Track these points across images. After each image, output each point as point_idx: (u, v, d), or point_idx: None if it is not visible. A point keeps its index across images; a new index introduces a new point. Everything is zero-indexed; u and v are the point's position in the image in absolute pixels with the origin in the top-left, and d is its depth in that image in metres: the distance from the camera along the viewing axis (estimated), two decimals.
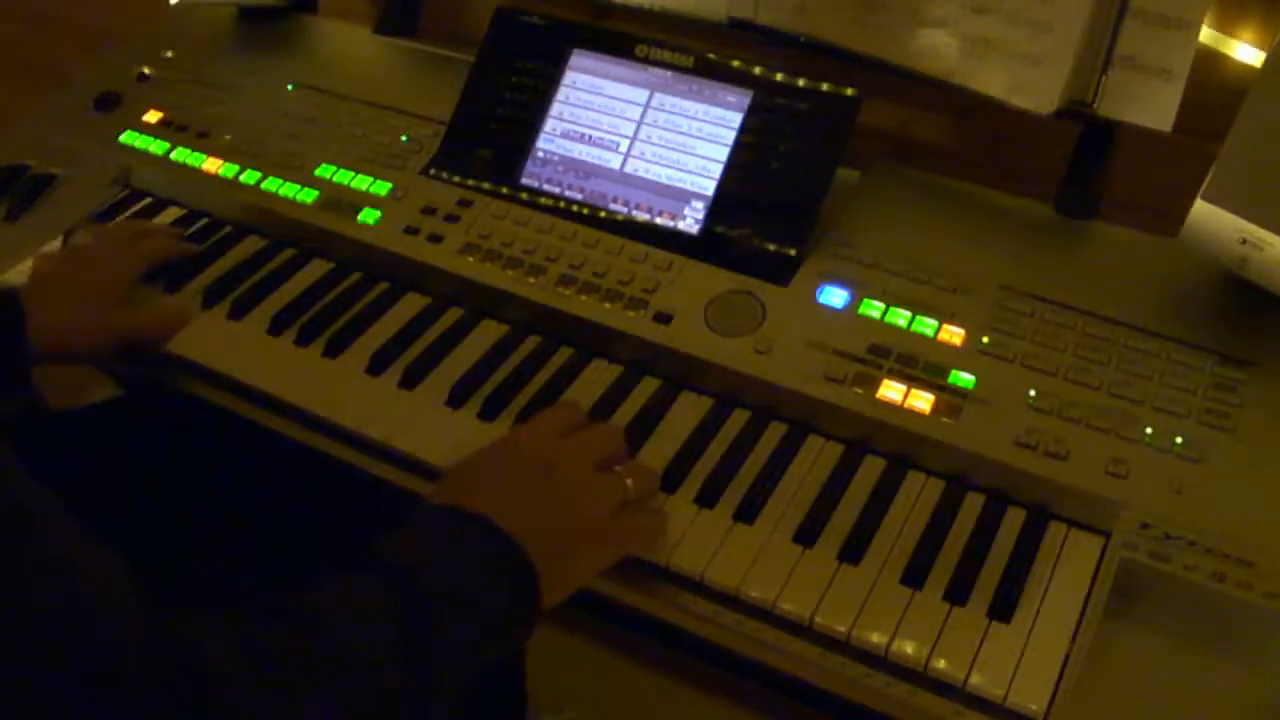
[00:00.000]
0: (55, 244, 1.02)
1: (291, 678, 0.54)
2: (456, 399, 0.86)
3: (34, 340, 0.85)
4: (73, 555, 0.50)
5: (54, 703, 0.46)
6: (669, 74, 0.96)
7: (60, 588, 0.48)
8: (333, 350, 0.90)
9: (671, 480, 0.79)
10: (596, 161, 0.97)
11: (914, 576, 0.73)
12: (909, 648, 0.69)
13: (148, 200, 1.07)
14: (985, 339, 0.83)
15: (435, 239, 0.96)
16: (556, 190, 0.97)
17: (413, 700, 0.59)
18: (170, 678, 0.49)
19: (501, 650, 0.66)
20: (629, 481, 0.74)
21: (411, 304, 0.95)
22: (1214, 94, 0.84)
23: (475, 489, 0.70)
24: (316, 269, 0.99)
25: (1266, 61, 0.76)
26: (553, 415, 0.79)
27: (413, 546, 0.65)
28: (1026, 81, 0.86)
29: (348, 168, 1.03)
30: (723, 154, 0.93)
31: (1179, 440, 0.76)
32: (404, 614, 0.60)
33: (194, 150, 1.07)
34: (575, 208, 0.96)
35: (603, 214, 0.95)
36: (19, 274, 0.96)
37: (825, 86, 0.92)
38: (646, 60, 0.97)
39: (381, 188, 1.01)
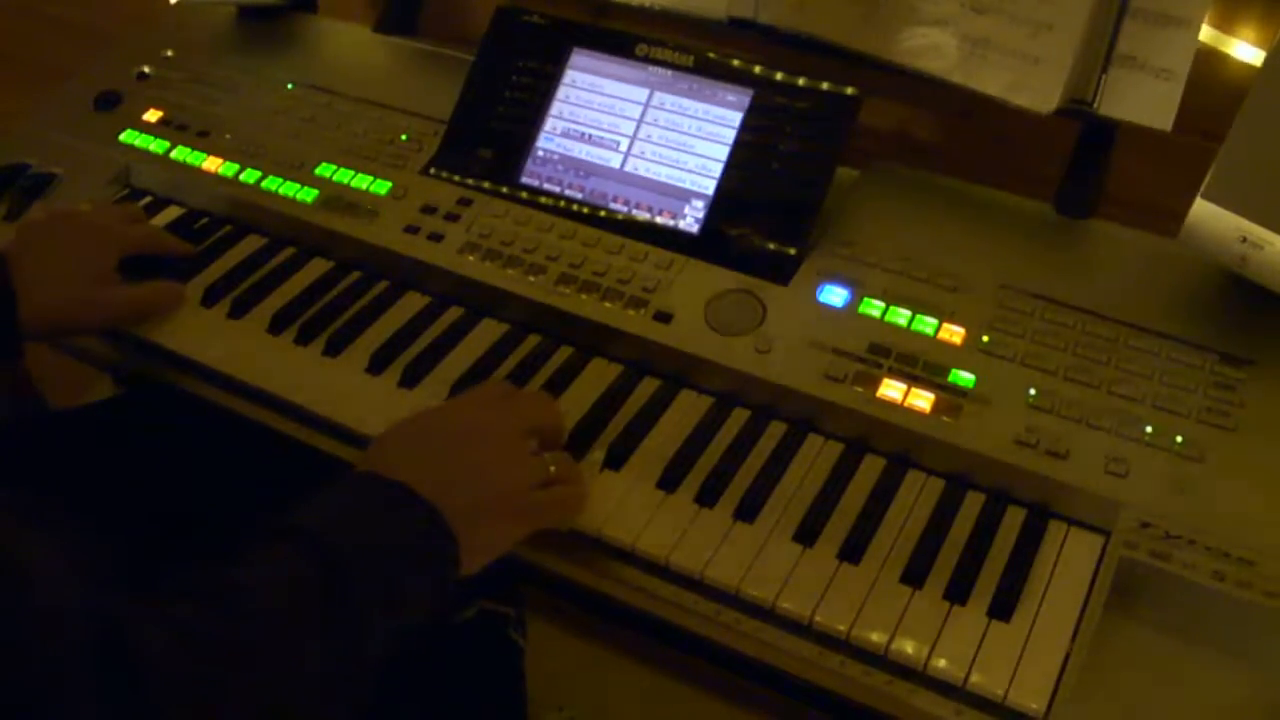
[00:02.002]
0: (39, 210, 1.01)
1: (222, 658, 0.55)
2: None
3: (24, 312, 0.84)
4: (13, 548, 0.50)
5: None
6: (669, 73, 0.96)
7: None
8: (333, 349, 0.90)
9: (672, 479, 0.79)
10: (596, 160, 0.97)
11: (914, 575, 0.73)
12: (909, 647, 0.69)
13: (148, 199, 1.07)
14: (985, 338, 0.83)
15: (435, 238, 0.96)
16: (556, 189, 0.97)
17: (331, 667, 0.59)
18: (105, 667, 0.50)
19: (419, 618, 0.66)
20: (552, 468, 0.75)
21: (411, 303, 0.95)
22: (1214, 94, 0.84)
23: (397, 458, 0.71)
24: (316, 268, 0.99)
25: (1266, 61, 0.76)
26: (485, 387, 0.80)
27: (332, 514, 0.65)
28: (1026, 80, 0.86)
29: (348, 167, 1.03)
30: (723, 153, 0.93)
31: (1179, 439, 0.76)
32: (326, 585, 0.60)
33: (194, 149, 1.07)
34: (575, 207, 0.96)
35: (603, 213, 0.95)
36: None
37: (825, 85, 0.92)
38: (646, 59, 0.97)
39: (381, 187, 1.00)
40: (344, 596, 0.61)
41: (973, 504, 0.78)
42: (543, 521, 0.75)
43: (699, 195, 0.93)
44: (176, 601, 0.56)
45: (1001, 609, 0.71)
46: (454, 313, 0.94)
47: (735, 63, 0.95)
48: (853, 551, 0.75)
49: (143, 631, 0.53)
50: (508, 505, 0.72)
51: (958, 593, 0.72)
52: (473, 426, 0.74)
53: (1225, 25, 0.94)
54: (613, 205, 0.95)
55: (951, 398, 0.80)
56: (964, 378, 0.81)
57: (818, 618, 0.71)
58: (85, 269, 0.90)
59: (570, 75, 0.99)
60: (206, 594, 0.58)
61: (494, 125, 1.00)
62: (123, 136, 1.10)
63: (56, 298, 0.87)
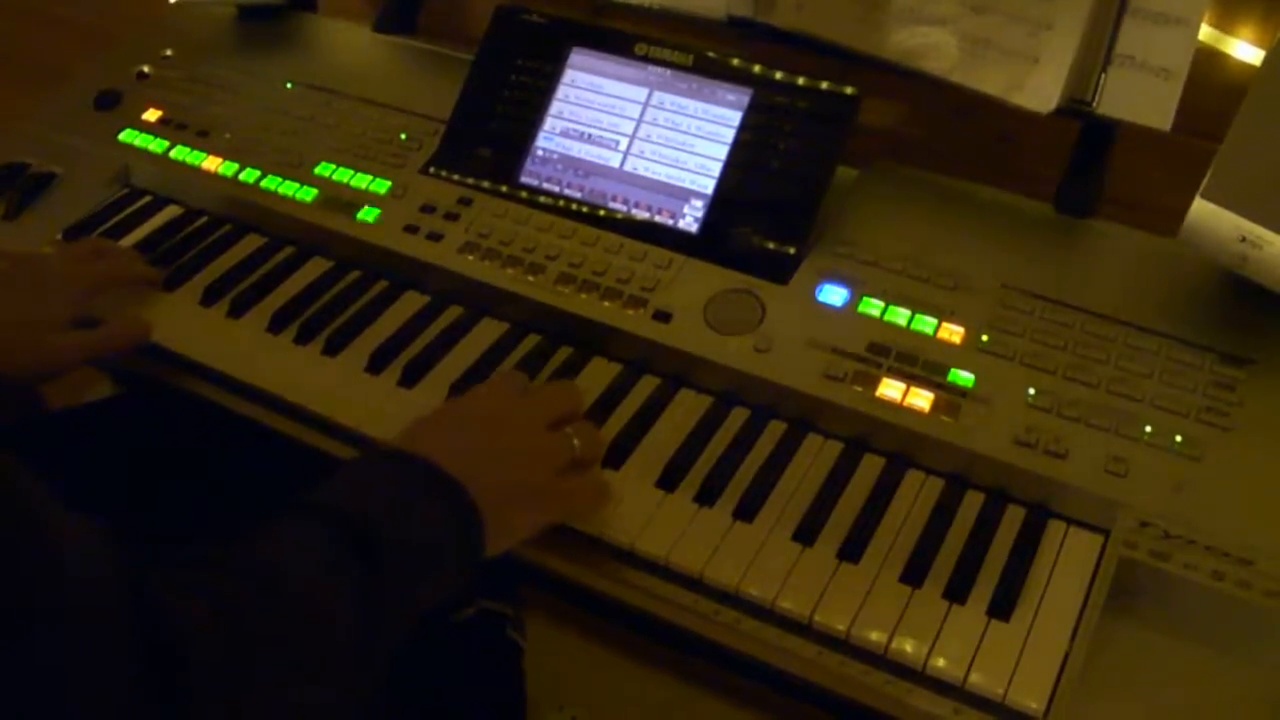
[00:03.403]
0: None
1: (251, 631, 0.55)
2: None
3: None
4: (48, 519, 0.50)
5: (25, 661, 0.46)
6: (668, 72, 0.96)
7: (36, 550, 0.48)
8: (332, 349, 0.90)
9: (671, 478, 0.79)
10: (596, 160, 0.97)
11: (913, 575, 0.73)
12: (908, 646, 0.69)
13: (147, 198, 1.07)
14: (985, 337, 0.83)
15: (435, 237, 0.96)
16: (556, 189, 0.97)
17: (360, 644, 0.59)
18: (140, 637, 0.50)
19: (443, 596, 0.67)
20: (576, 442, 0.76)
21: (411, 302, 0.95)
22: (1214, 94, 0.84)
23: (423, 440, 0.71)
24: (316, 267, 0.99)
25: (1266, 61, 0.76)
26: (507, 378, 0.81)
27: (363, 492, 0.66)
28: (1026, 80, 0.86)
29: (347, 166, 1.03)
30: (722, 152, 0.93)
31: (1178, 439, 0.76)
32: (360, 561, 0.61)
33: (193, 149, 1.07)
34: (575, 206, 0.96)
35: (602, 212, 0.95)
36: None
37: (825, 85, 0.92)
38: (646, 59, 0.97)
39: (381, 186, 1.00)
40: (375, 565, 0.61)
41: (972, 503, 0.78)
42: (566, 511, 0.76)
43: (698, 195, 0.93)
44: (209, 573, 0.56)
45: (1001, 608, 0.71)
46: (453, 312, 0.94)
47: (735, 62, 0.95)
48: (852, 551, 0.75)
49: (176, 600, 0.53)
50: (534, 492, 0.73)
51: (957, 592, 0.72)
52: (498, 413, 0.76)
53: (1225, 25, 0.94)
54: (612, 205, 0.95)
55: (951, 397, 0.80)
56: (963, 377, 0.81)
57: (817, 617, 0.71)
58: (33, 320, 0.87)
59: (570, 74, 0.99)
60: (238, 566, 0.58)
61: (493, 125, 1.00)
62: (122, 136, 1.10)
63: (6, 349, 0.86)
